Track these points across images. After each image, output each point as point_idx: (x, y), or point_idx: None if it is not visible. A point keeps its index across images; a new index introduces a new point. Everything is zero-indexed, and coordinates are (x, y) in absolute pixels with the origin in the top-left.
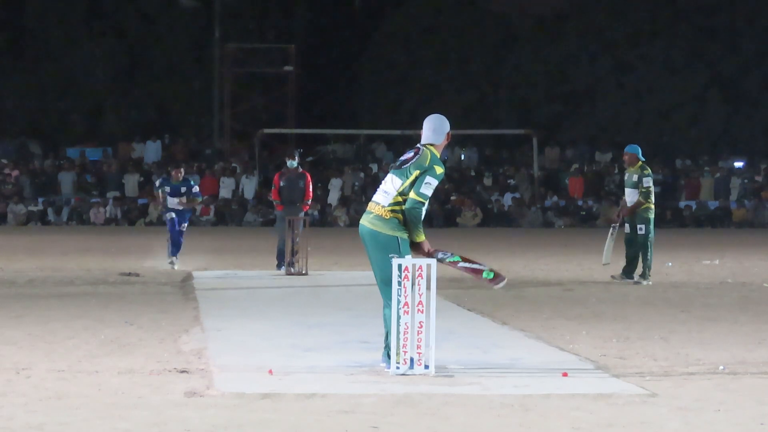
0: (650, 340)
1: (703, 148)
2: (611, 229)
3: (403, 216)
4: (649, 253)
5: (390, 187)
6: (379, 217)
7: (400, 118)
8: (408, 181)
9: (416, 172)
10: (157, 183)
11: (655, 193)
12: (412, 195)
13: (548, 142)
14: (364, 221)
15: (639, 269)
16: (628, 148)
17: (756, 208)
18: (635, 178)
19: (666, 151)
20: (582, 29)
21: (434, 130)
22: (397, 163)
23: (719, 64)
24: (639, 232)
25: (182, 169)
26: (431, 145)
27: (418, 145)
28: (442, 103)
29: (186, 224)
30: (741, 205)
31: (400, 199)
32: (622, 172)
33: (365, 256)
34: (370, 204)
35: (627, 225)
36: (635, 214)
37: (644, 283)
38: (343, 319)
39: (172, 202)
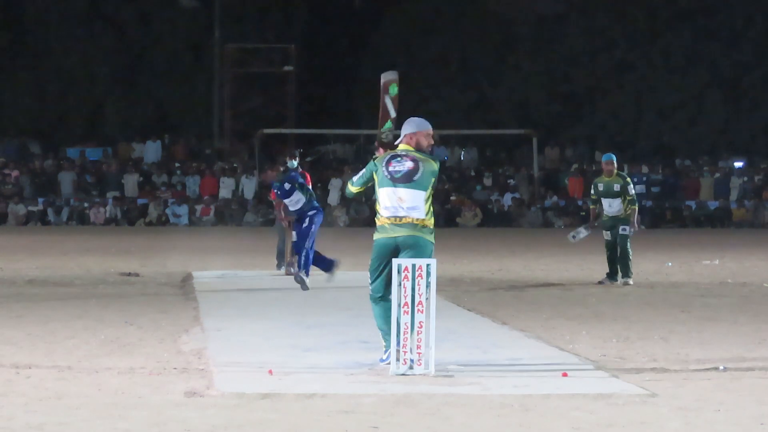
0: (650, 340)
1: (703, 148)
2: (584, 228)
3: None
4: (630, 253)
5: (412, 200)
6: (425, 227)
7: (400, 118)
8: (429, 191)
9: (433, 180)
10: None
11: (654, 193)
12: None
13: (548, 142)
14: (406, 232)
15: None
16: (611, 157)
17: (756, 208)
18: (617, 187)
19: (666, 151)
20: (582, 29)
21: (419, 124)
22: (397, 176)
23: (719, 64)
24: (622, 232)
25: (280, 167)
26: (408, 144)
27: (410, 153)
28: (442, 103)
29: (306, 224)
30: (741, 205)
31: (429, 207)
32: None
33: (365, 256)
34: (395, 218)
35: (608, 233)
36: (620, 218)
37: (630, 282)
38: (343, 319)
39: (287, 205)
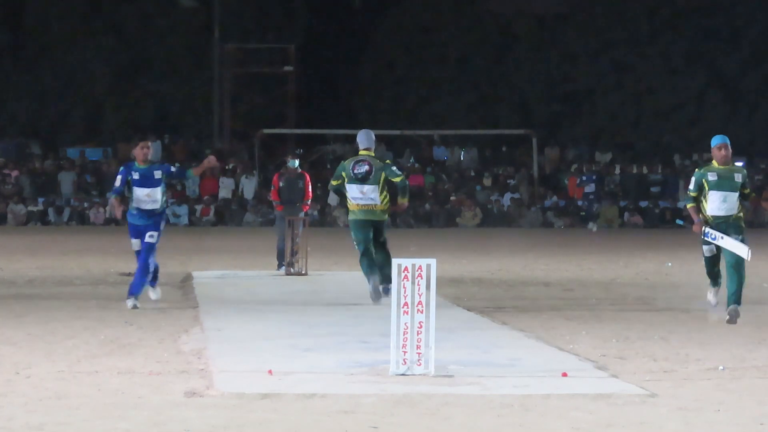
0: (650, 340)
1: (703, 148)
2: (709, 232)
3: (392, 198)
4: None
5: (370, 191)
6: (384, 212)
7: (400, 118)
8: (381, 183)
9: (382, 174)
10: (118, 179)
11: (655, 193)
12: (398, 179)
13: (548, 142)
14: (371, 217)
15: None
16: (725, 139)
17: (756, 208)
18: (738, 177)
19: (666, 151)
20: (582, 29)
21: (369, 136)
22: (360, 177)
23: (719, 64)
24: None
25: (149, 144)
26: (367, 150)
27: (366, 158)
28: (442, 103)
29: (156, 233)
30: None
31: (384, 195)
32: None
33: None
34: (362, 204)
35: (710, 247)
36: (730, 223)
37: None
38: (343, 319)
39: (140, 197)
